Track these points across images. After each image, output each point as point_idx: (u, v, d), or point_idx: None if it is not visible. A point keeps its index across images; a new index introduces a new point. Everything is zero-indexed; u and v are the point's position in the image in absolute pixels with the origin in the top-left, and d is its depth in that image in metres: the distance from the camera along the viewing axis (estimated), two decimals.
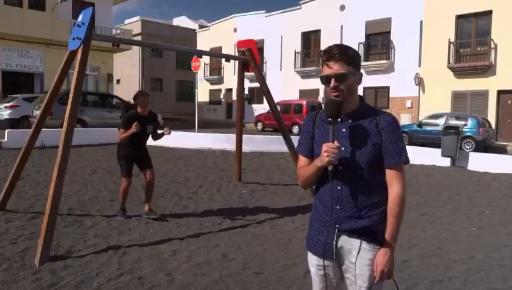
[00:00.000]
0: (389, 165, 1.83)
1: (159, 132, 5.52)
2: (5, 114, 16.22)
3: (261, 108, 27.13)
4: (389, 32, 22.86)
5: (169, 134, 5.30)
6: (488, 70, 18.79)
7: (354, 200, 1.83)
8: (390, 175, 1.84)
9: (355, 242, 1.85)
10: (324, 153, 1.74)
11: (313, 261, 1.96)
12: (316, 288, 2.00)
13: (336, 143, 1.76)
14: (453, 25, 19.81)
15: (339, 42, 23.19)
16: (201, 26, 38.14)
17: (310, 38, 27.04)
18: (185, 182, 7.88)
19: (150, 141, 5.60)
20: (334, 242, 1.87)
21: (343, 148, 1.83)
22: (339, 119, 1.82)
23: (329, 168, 1.77)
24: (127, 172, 5.31)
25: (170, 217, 5.48)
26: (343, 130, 1.86)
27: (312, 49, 26.58)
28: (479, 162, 10.50)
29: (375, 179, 1.84)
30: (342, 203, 1.85)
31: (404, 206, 1.84)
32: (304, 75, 26.47)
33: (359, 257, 1.85)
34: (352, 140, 1.84)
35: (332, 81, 1.80)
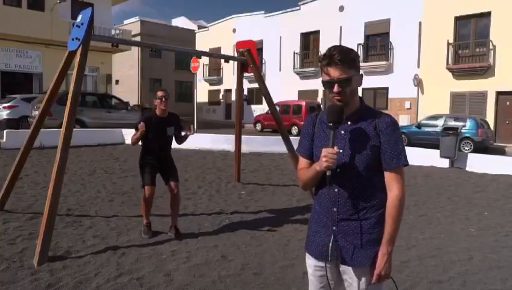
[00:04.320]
0: (388, 167, 1.81)
1: (182, 133, 4.85)
2: (4, 114, 16.20)
3: (260, 109, 27.14)
4: (388, 33, 22.90)
5: (192, 133, 4.65)
6: (486, 71, 18.80)
7: (351, 202, 1.83)
8: (389, 177, 1.82)
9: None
10: (323, 158, 1.74)
11: (311, 263, 1.97)
12: (313, 288, 2.00)
13: (335, 148, 1.76)
14: (451, 26, 19.83)
15: (338, 43, 23.33)
16: (200, 27, 38.14)
17: (309, 39, 27.07)
18: (184, 182, 7.87)
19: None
20: (331, 244, 1.86)
21: (341, 151, 1.82)
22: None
23: (328, 173, 1.77)
24: (147, 181, 4.58)
25: (169, 217, 5.46)
26: (342, 132, 1.85)
27: (311, 50, 26.60)
28: (478, 163, 10.50)
29: (373, 181, 1.83)
30: (339, 206, 1.85)
31: (402, 209, 1.81)
32: (303, 76, 26.49)
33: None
34: (351, 143, 1.83)
35: (336, 86, 1.78)
